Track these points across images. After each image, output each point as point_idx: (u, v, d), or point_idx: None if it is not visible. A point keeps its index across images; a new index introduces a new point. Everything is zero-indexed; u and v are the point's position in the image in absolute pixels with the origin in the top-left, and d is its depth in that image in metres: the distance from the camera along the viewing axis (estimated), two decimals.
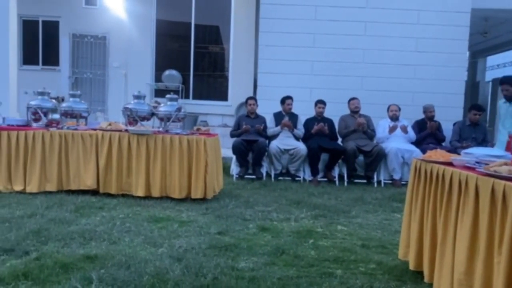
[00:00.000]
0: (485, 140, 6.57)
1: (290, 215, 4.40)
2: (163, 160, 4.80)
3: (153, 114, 5.37)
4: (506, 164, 2.15)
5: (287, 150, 6.46)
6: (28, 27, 9.87)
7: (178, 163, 4.76)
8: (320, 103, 6.90)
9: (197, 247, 3.25)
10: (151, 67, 9.64)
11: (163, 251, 3.16)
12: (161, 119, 5.27)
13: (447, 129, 6.97)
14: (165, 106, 5.29)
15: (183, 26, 9.72)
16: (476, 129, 6.63)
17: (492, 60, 14.18)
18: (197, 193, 4.74)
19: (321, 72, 7.88)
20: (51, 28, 9.81)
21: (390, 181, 6.53)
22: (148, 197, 4.78)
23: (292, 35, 7.91)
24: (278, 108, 6.95)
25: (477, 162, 2.43)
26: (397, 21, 7.87)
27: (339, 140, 6.92)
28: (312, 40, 7.95)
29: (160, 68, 9.60)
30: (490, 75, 13.99)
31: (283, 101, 6.89)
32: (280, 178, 6.52)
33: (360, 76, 7.86)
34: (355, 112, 6.85)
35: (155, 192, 4.80)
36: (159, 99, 8.30)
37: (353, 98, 6.93)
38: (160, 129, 5.20)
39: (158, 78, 9.56)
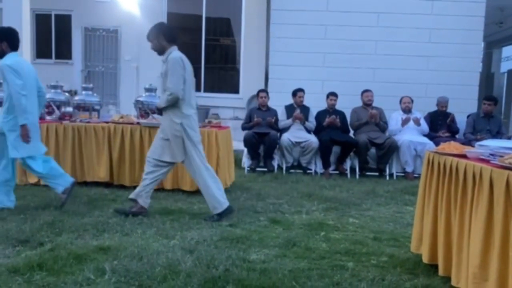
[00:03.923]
0: (499, 132, 6.48)
1: (301, 207, 4.40)
2: None
3: None
4: None
5: (298, 143, 6.44)
6: (41, 21, 9.95)
7: None
8: (332, 95, 6.85)
9: (209, 239, 3.27)
10: None
11: (175, 243, 3.18)
12: None
13: (461, 121, 6.88)
14: None
15: (194, 18, 9.70)
16: (490, 121, 6.54)
17: (507, 50, 13.91)
18: None
19: (333, 64, 7.81)
20: (64, 22, 9.88)
21: (402, 174, 6.48)
22: (160, 189, 4.80)
23: (304, 26, 7.84)
24: (290, 100, 6.93)
25: (492, 154, 2.39)
26: (410, 11, 7.76)
27: (351, 133, 6.87)
28: (324, 32, 7.87)
29: None
30: (505, 66, 13.76)
31: (294, 93, 6.86)
32: (292, 170, 6.51)
33: (372, 68, 7.78)
34: (368, 104, 6.79)
35: (167, 185, 4.82)
36: None
37: (366, 90, 6.86)
38: None
39: None
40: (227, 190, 4.91)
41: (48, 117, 5.26)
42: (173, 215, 3.92)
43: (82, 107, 5.39)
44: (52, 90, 5.40)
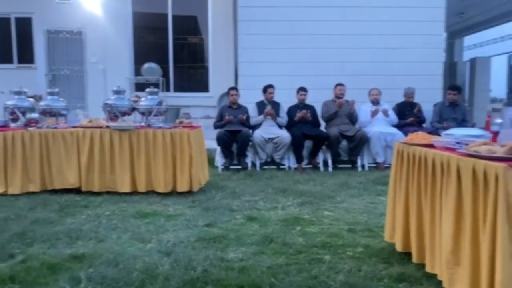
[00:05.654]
0: (464, 120, 6.70)
1: (277, 203, 4.43)
2: (146, 155, 4.76)
3: (134, 109, 5.30)
4: (485, 143, 2.20)
5: (271, 139, 6.47)
6: (0, 25, 9.60)
7: (162, 157, 4.73)
8: (302, 90, 6.91)
9: (186, 240, 3.25)
10: (129, 61, 9.50)
11: (151, 246, 3.15)
12: (143, 114, 5.21)
13: (428, 110, 7.07)
14: (145, 100, 5.23)
15: (161, 17, 9.57)
16: (455, 109, 6.76)
17: (469, 40, 14.39)
18: (182, 186, 4.72)
19: (301, 59, 7.87)
20: (24, 25, 9.55)
21: (374, 165, 6.61)
22: (133, 192, 4.75)
23: (271, 22, 7.87)
24: (260, 97, 6.94)
25: (458, 143, 2.47)
26: (374, 4, 7.89)
27: (322, 126, 6.96)
28: (291, 27, 7.92)
29: (139, 61, 9.47)
30: (467, 55, 14.21)
31: (264, 90, 6.88)
32: (266, 167, 6.54)
33: (341, 62, 7.88)
34: (339, 97, 6.86)
35: (141, 187, 4.76)
36: (139, 93, 8.19)
37: (339, 84, 6.94)
38: (142, 123, 5.15)
39: (137, 72, 9.43)
40: (201, 190, 4.92)
41: (12, 124, 5.08)
42: (148, 218, 3.88)
43: (48, 112, 5.23)
44: (16, 96, 5.22)
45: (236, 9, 8.23)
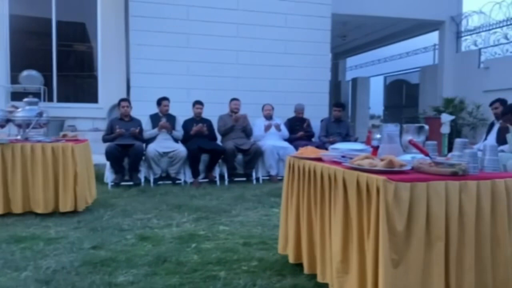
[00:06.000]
0: (348, 135, 7.24)
1: (171, 220, 4.28)
2: (23, 172, 4.28)
3: (8, 121, 4.76)
4: (367, 157, 2.35)
5: (166, 153, 6.29)
6: None
7: (42, 174, 4.29)
8: (198, 103, 6.86)
9: (69, 265, 2.96)
10: (5, 67, 8.55)
11: (27, 274, 2.81)
12: (19, 126, 4.70)
13: (316, 126, 7.50)
14: (23, 111, 4.73)
15: (43, 22, 8.81)
16: (340, 124, 7.29)
17: (351, 61, 15.71)
18: (66, 206, 4.32)
19: (197, 73, 7.85)
20: None
21: (267, 177, 6.78)
22: (6, 214, 4.23)
23: (165, 34, 7.73)
24: (154, 109, 6.73)
25: (343, 157, 2.62)
26: (267, 23, 8.20)
27: (219, 140, 6.97)
28: (186, 40, 7.86)
29: (16, 68, 8.56)
30: (349, 75, 15.50)
31: (159, 102, 6.69)
32: (160, 182, 6.32)
33: (235, 77, 8.02)
34: (234, 112, 6.96)
35: (16, 208, 4.26)
36: (17, 103, 7.40)
37: (234, 99, 7.04)
38: (19, 137, 4.64)
39: (14, 80, 8.52)
40: (88, 209, 4.57)
41: None
42: (25, 243, 3.47)
43: None
44: None
45: (128, 18, 7.94)
